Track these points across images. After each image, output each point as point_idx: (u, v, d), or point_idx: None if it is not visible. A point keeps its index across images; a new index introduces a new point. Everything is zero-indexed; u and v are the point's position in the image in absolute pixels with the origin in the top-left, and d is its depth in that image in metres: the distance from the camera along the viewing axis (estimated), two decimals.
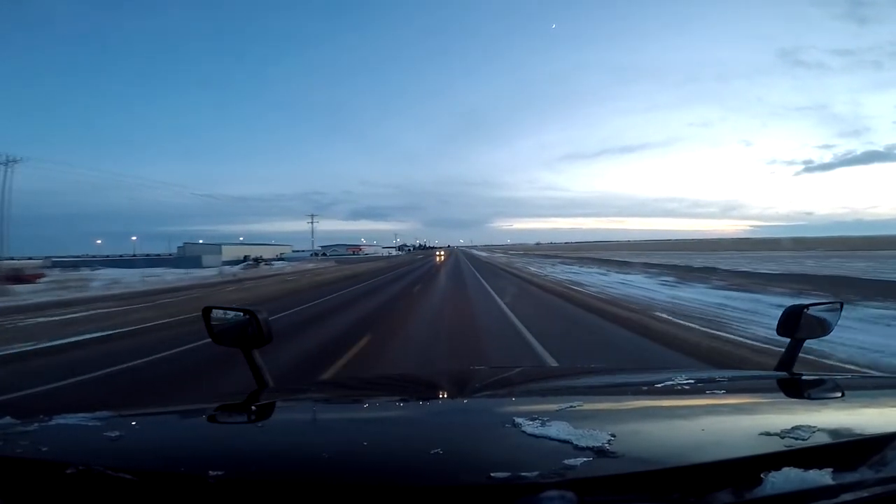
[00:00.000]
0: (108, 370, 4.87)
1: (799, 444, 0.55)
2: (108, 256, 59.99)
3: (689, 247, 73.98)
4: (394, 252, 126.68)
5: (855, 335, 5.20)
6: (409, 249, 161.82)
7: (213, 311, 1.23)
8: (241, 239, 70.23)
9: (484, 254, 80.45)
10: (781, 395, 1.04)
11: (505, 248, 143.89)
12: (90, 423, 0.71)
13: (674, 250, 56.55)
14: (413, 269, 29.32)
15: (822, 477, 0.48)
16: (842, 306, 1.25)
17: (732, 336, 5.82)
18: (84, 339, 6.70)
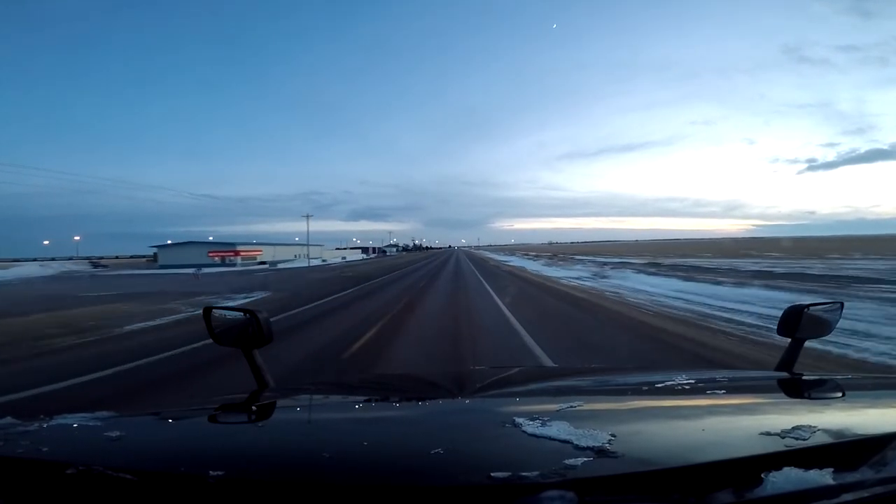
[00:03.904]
0: None
1: (799, 444, 0.55)
2: None
3: (714, 248, 60.86)
4: (348, 260, 67.59)
5: None
6: (385, 253, 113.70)
7: (214, 311, 1.24)
8: None
9: (533, 264, 31.41)
10: (782, 395, 1.04)
11: (554, 250, 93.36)
12: (90, 423, 0.71)
13: (704, 252, 46.38)
14: None
15: (823, 477, 0.48)
16: (842, 306, 1.25)
17: None
18: None
